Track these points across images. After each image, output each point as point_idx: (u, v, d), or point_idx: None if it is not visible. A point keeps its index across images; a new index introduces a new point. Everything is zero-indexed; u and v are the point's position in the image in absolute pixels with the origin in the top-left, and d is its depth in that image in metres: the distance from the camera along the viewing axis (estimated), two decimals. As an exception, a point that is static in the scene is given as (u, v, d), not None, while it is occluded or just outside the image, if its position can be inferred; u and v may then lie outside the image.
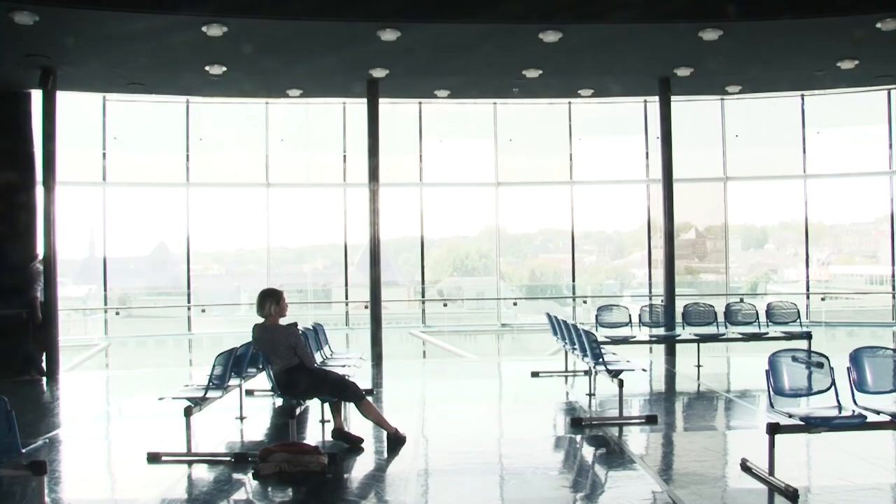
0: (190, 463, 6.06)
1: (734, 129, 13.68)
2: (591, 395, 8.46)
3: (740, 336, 10.61)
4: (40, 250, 10.77)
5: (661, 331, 10.96)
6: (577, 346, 8.45)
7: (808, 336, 10.12)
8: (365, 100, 11.69)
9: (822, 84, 11.99)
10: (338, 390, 6.49)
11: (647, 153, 13.64)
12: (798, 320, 10.78)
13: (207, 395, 6.38)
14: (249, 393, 8.16)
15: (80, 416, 8.53)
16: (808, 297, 13.79)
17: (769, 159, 14.31)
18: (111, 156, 13.18)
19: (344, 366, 8.05)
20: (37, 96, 10.98)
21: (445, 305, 15.07)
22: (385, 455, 6.30)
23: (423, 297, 14.21)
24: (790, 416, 5.25)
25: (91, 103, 12.81)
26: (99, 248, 13.56)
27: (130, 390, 10.03)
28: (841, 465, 5.77)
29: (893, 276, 13.06)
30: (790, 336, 10.27)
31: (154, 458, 6.11)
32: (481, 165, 14.33)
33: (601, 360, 7.54)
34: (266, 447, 5.91)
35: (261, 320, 6.56)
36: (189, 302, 13.57)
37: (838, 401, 5.45)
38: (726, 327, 10.74)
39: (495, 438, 7.12)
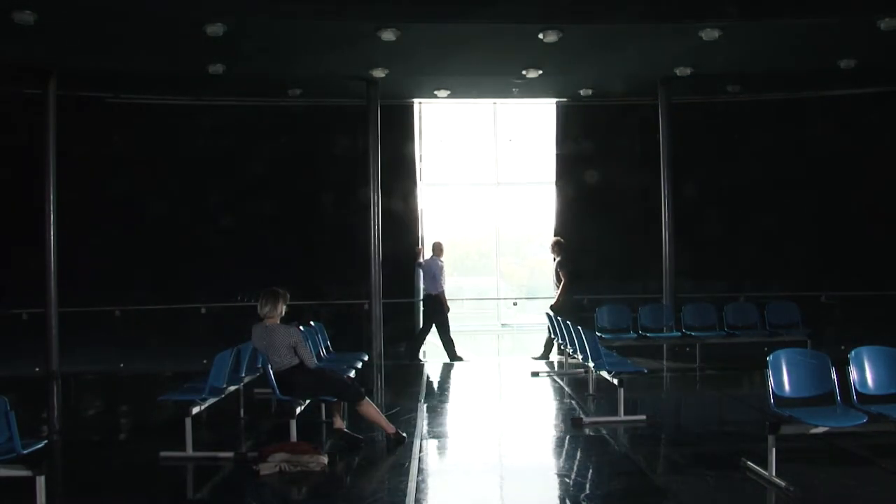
0: (190, 463, 6.06)
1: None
2: (590, 395, 8.46)
3: (741, 336, 10.59)
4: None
5: (661, 331, 10.94)
6: (577, 347, 8.45)
7: (809, 336, 10.10)
8: (365, 100, 11.68)
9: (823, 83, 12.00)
10: (338, 390, 6.50)
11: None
12: (799, 320, 10.74)
13: (207, 395, 6.38)
14: (249, 392, 8.16)
15: (81, 415, 8.54)
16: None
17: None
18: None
19: (344, 366, 8.06)
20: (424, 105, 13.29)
21: (445, 305, 15.01)
22: (385, 455, 6.30)
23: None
24: (790, 415, 5.25)
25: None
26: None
27: (130, 390, 10.03)
28: (841, 465, 5.77)
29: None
30: (791, 336, 10.25)
31: (153, 457, 6.10)
32: (481, 165, 14.35)
33: (601, 360, 7.53)
34: (266, 447, 5.91)
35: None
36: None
37: (839, 400, 5.45)
38: (726, 327, 10.72)
39: (495, 438, 7.12)
